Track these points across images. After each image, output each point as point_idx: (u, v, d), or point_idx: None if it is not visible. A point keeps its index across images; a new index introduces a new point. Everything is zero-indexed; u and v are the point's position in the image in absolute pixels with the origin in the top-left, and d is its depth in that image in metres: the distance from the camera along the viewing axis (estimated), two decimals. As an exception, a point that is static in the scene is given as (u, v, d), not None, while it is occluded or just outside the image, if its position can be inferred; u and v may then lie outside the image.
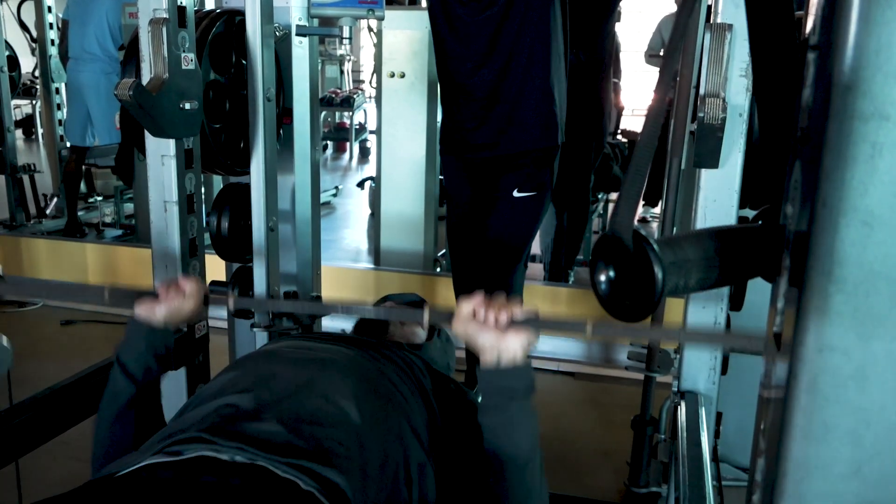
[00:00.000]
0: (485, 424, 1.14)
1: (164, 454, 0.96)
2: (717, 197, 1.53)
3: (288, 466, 0.94)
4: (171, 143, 1.73)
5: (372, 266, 3.94)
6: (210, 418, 1.05)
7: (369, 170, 6.53)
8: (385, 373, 1.26)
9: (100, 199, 5.37)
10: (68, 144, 4.78)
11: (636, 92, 7.21)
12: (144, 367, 1.30)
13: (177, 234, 1.77)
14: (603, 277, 0.47)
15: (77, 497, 0.89)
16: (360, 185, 6.25)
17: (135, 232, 4.61)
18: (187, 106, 1.67)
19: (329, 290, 2.21)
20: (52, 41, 4.89)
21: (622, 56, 3.86)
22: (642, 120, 0.53)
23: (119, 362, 1.30)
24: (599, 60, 3.28)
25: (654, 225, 5.41)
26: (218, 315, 2.19)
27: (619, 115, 5.35)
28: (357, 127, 8.80)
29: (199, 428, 1.02)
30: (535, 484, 1.15)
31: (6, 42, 4.84)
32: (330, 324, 2.21)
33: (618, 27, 3.38)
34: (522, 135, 2.26)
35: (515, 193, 2.28)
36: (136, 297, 1.33)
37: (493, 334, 1.10)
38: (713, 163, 1.47)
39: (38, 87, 6.08)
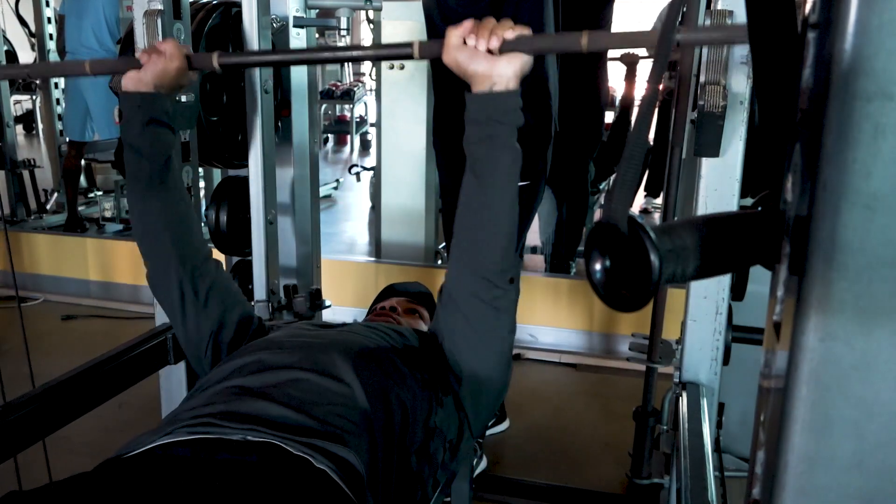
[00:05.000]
0: (470, 151, 1.16)
1: (175, 435, 0.98)
2: (719, 186, 1.51)
3: (300, 445, 0.95)
4: (168, 136, 1.72)
5: (373, 259, 3.94)
6: (219, 403, 1.06)
7: (370, 163, 6.53)
8: (386, 350, 1.26)
9: (100, 193, 5.36)
10: (68, 139, 4.78)
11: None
12: (150, 138, 1.31)
13: (174, 228, 1.75)
14: (598, 266, 0.46)
15: (94, 476, 0.90)
16: (349, 169, 6.30)
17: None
18: (184, 98, 1.66)
19: (329, 282, 2.21)
20: (51, 35, 4.88)
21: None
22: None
23: (126, 142, 1.32)
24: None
25: (657, 215, 5.40)
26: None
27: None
28: (357, 120, 8.78)
29: (208, 412, 1.03)
30: (509, 212, 1.16)
31: (5, 37, 4.82)
32: (331, 318, 2.20)
33: (617, 17, 3.35)
34: None
35: None
36: (120, 68, 1.33)
37: (484, 60, 1.09)
38: (714, 151, 1.46)
39: (37, 81, 6.07)
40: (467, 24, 1.11)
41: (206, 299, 1.34)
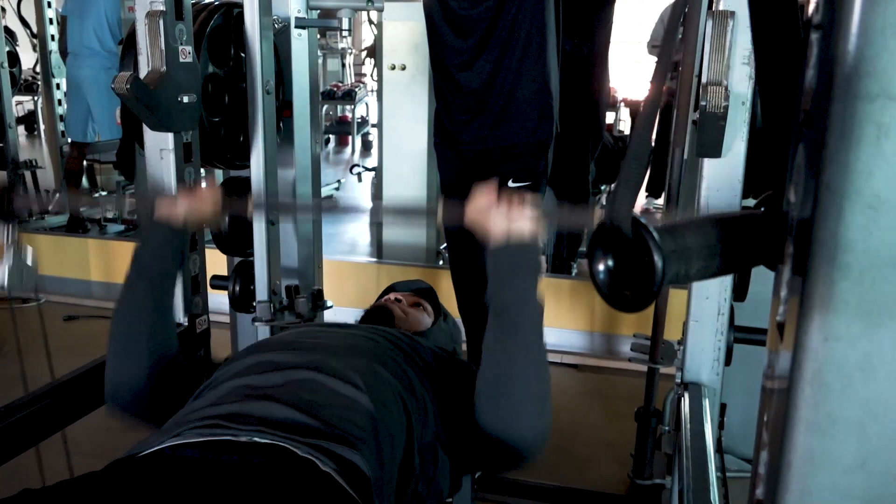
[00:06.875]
0: (492, 305, 1.16)
1: (183, 436, 0.98)
2: (721, 186, 1.51)
3: (306, 447, 0.95)
4: (170, 136, 1.73)
5: (374, 259, 3.94)
6: (227, 403, 1.07)
7: (371, 163, 6.54)
8: (393, 356, 1.26)
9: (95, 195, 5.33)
10: (69, 140, 4.78)
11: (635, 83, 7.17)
12: (162, 269, 1.32)
13: (176, 229, 1.75)
14: (601, 267, 0.46)
15: (105, 475, 0.91)
16: (351, 170, 6.29)
17: (137, 227, 4.61)
18: (185, 99, 1.66)
19: (331, 283, 2.21)
20: (53, 36, 4.88)
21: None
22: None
23: (138, 265, 1.31)
24: (595, 50, 3.26)
25: (658, 216, 5.40)
26: (219, 310, 2.18)
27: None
28: (359, 120, 8.77)
29: (216, 413, 1.04)
30: (539, 372, 1.14)
31: (6, 37, 4.83)
32: (332, 319, 2.20)
33: (618, 17, 3.35)
34: (517, 127, 2.25)
35: (510, 184, 2.28)
36: (157, 199, 1.37)
37: (503, 216, 1.15)
38: (716, 152, 1.46)
39: (39, 82, 6.08)
40: (491, 186, 1.19)
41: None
